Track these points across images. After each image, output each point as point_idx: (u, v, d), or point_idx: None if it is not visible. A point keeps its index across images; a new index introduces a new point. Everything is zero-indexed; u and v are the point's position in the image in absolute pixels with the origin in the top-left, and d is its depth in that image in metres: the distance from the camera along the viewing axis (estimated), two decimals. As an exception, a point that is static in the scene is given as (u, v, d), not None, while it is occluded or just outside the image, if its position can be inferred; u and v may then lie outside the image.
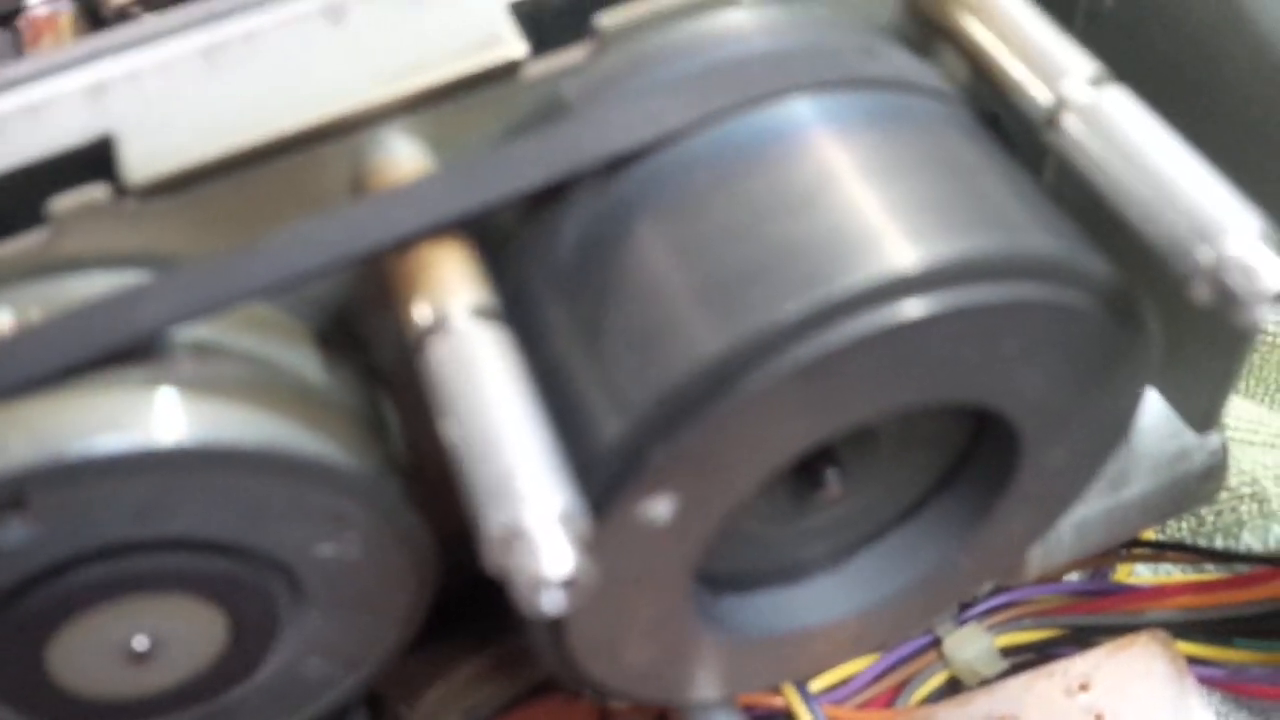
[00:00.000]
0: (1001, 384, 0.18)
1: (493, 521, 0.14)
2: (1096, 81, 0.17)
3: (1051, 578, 0.32)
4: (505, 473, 0.14)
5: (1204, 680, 0.30)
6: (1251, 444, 0.35)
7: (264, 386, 0.17)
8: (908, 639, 0.30)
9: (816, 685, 0.29)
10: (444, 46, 0.18)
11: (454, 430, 0.15)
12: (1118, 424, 0.19)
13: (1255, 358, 0.37)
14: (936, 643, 0.31)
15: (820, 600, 0.20)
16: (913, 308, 0.16)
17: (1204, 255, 0.15)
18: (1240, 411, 0.35)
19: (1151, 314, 0.18)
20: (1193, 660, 0.29)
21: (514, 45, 0.18)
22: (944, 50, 0.19)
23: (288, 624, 0.19)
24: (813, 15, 0.19)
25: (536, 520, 0.14)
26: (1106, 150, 0.16)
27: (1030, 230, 0.16)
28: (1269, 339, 0.37)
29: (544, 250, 0.17)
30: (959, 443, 0.20)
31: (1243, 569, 0.30)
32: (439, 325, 0.15)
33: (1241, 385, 0.38)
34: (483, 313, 0.16)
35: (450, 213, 0.16)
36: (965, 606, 0.32)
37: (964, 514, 0.20)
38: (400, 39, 0.18)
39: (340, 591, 0.19)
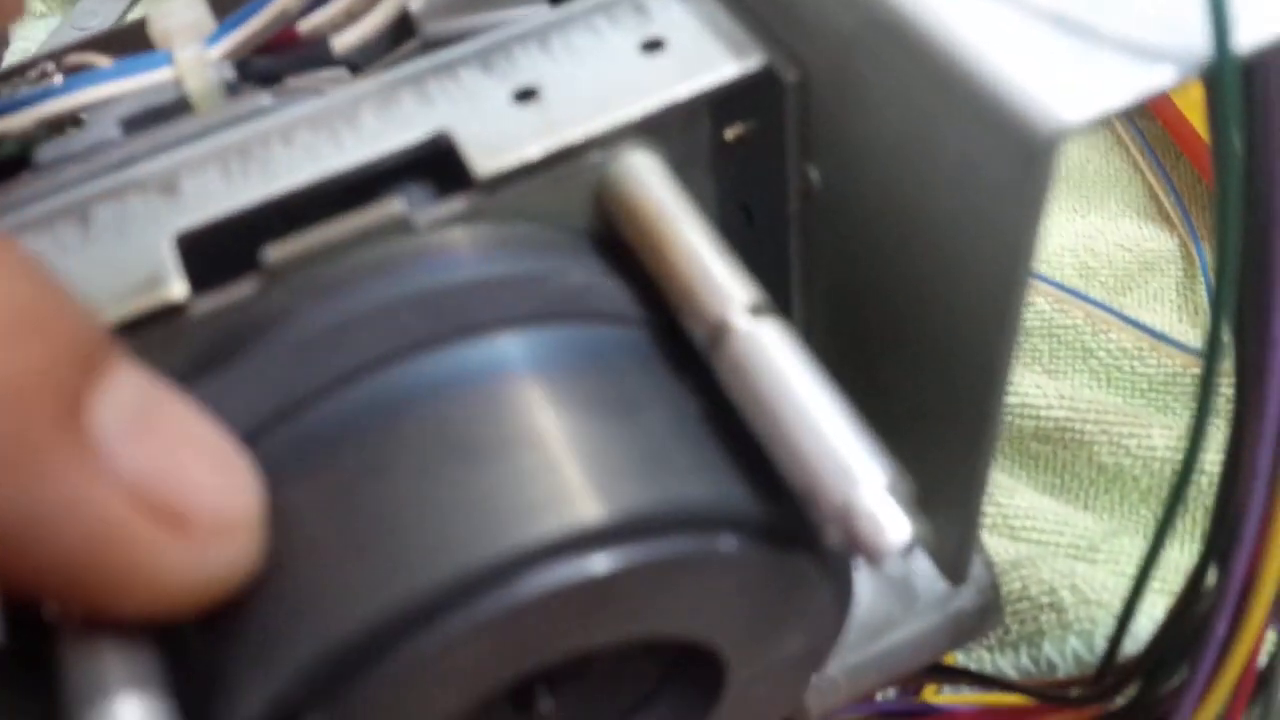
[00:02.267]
0: (688, 621, 0.18)
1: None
2: (756, 310, 0.17)
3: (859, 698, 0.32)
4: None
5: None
6: (1057, 547, 0.35)
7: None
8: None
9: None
10: (107, 287, 0.18)
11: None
12: (823, 630, 0.20)
13: (1067, 455, 0.38)
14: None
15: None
16: (592, 564, 0.16)
17: (832, 502, 0.15)
18: (1047, 513, 0.36)
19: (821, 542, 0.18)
20: (988, 785, 0.30)
21: (176, 286, 0.17)
22: (637, 262, 0.19)
23: None
24: (501, 235, 0.19)
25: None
26: (754, 383, 0.16)
27: (692, 481, 0.16)
28: (1078, 436, 0.38)
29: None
30: (670, 657, 0.20)
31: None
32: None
33: (1056, 482, 0.38)
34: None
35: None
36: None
37: (684, 715, 0.20)
38: (65, 279, 0.18)
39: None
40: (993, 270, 0.18)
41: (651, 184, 0.19)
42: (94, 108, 0.22)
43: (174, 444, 0.15)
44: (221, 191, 0.19)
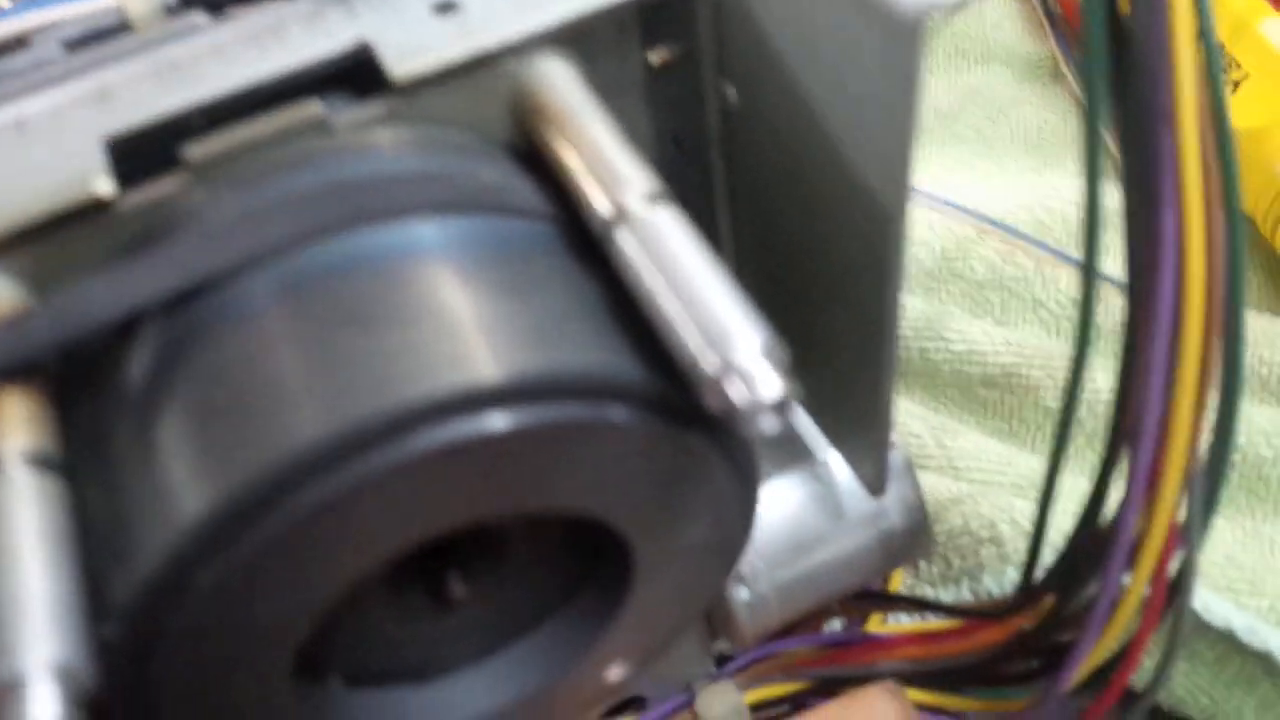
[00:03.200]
0: (585, 492, 0.18)
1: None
2: (652, 198, 0.18)
3: (803, 629, 0.33)
4: (3, 626, 0.14)
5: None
6: (1000, 485, 0.36)
7: None
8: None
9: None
10: (38, 186, 0.18)
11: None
12: (731, 517, 0.20)
13: (1014, 401, 0.39)
14: (691, 701, 0.32)
15: (454, 702, 0.21)
16: (493, 421, 0.16)
17: (709, 365, 0.16)
18: (991, 454, 0.37)
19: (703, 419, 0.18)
20: (924, 707, 0.30)
21: (101, 182, 0.18)
22: (549, 165, 0.20)
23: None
24: (417, 136, 0.20)
25: (27, 673, 0.14)
26: (645, 262, 0.17)
27: (583, 350, 0.17)
28: (1024, 381, 0.39)
29: (123, 377, 0.18)
30: (582, 544, 0.21)
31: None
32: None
33: (1004, 427, 0.39)
34: (32, 459, 0.16)
35: (14, 356, 0.17)
36: (722, 662, 0.33)
37: (597, 610, 0.21)
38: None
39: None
40: (880, 157, 0.19)
41: (561, 87, 0.20)
42: (39, 31, 0.23)
43: None
44: (151, 98, 0.20)
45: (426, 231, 0.18)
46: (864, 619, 0.34)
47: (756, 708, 0.32)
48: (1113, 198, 0.46)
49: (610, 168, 0.19)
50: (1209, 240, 0.20)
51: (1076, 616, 0.26)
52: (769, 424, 0.16)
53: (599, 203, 0.18)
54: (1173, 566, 0.25)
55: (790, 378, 0.16)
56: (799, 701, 0.32)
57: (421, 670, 0.21)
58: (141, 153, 0.19)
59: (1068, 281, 0.41)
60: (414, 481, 0.16)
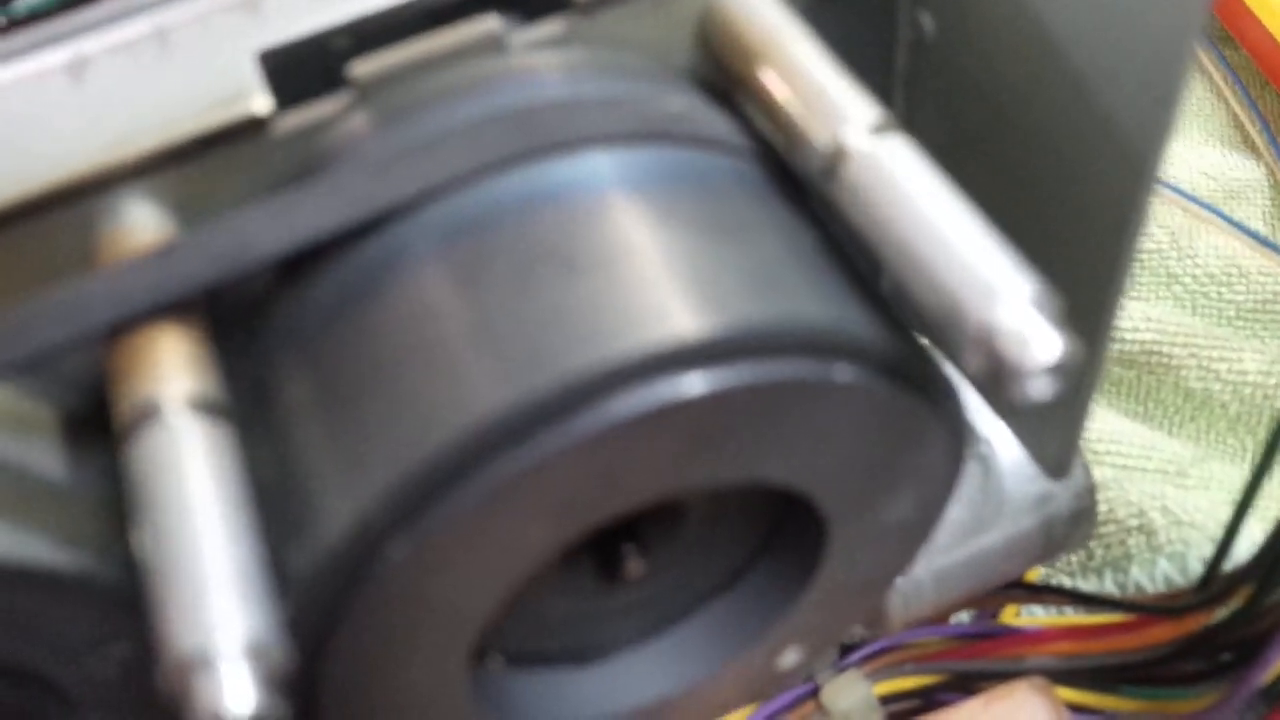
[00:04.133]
0: (791, 462, 0.16)
1: (173, 647, 0.12)
2: (879, 129, 0.16)
3: (934, 620, 0.31)
4: (190, 595, 0.13)
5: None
6: (1144, 471, 0.34)
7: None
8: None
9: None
10: (186, 103, 0.17)
11: (144, 542, 0.13)
12: (934, 495, 0.18)
13: (1152, 380, 0.37)
14: (816, 692, 0.30)
15: (619, 685, 0.19)
16: (693, 383, 0.14)
17: (975, 321, 0.14)
18: (1133, 437, 0.35)
19: (946, 384, 0.16)
20: (1075, 708, 0.28)
21: (258, 99, 0.16)
22: (744, 99, 0.18)
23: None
24: (600, 60, 0.18)
25: (220, 652, 0.12)
26: (880, 204, 0.15)
27: (808, 302, 0.15)
28: (1165, 360, 0.36)
29: (292, 325, 0.16)
30: (768, 518, 0.19)
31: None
32: (140, 419, 0.14)
33: (1139, 409, 0.37)
34: (199, 405, 0.14)
35: (169, 290, 0.15)
36: (846, 652, 0.31)
37: (777, 590, 0.19)
38: (142, 97, 0.17)
39: (118, 703, 0.18)
40: (1135, 108, 0.16)
41: (758, 6, 0.17)
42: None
43: None
44: (305, 10, 0.18)
45: (613, 164, 0.16)
46: (997, 611, 0.32)
47: (885, 700, 0.30)
48: (1245, 169, 0.43)
49: (827, 96, 0.16)
50: None
51: (1270, 610, 0.23)
52: (1042, 388, 0.14)
53: (817, 135, 0.16)
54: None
55: (1065, 333, 0.14)
56: (930, 696, 0.30)
57: (587, 650, 0.19)
58: (299, 69, 0.17)
59: (1205, 255, 0.38)
60: (611, 449, 0.14)
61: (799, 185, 0.17)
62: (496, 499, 0.14)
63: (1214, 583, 0.25)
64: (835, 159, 0.16)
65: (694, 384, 0.14)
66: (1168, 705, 0.27)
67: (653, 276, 0.15)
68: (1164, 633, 0.26)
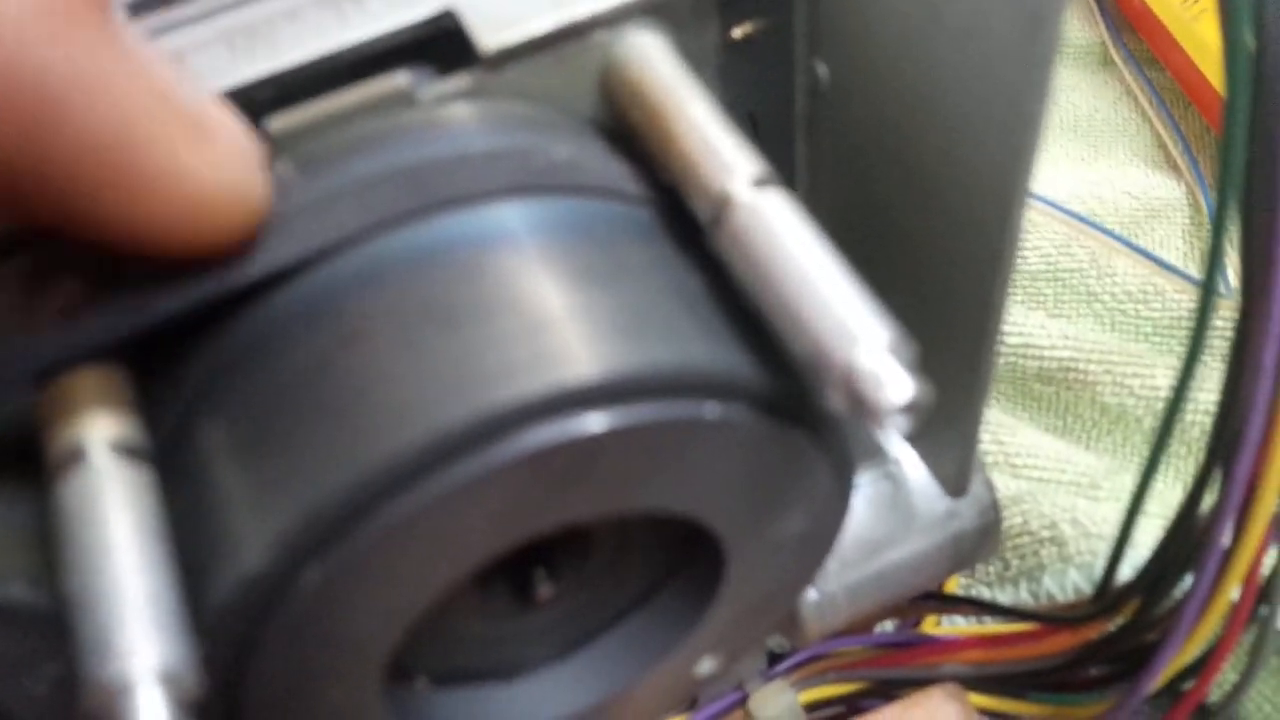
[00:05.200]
0: (681, 494, 0.17)
1: (93, 674, 0.13)
2: (760, 183, 0.17)
3: (856, 630, 0.32)
4: (107, 625, 0.14)
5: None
6: (1059, 484, 0.35)
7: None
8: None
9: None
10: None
11: (67, 576, 0.14)
12: (826, 515, 0.19)
13: (1070, 396, 0.38)
14: (744, 700, 0.31)
15: (541, 700, 0.20)
16: (587, 423, 0.15)
17: (836, 364, 0.15)
18: (1049, 450, 0.36)
19: (827, 414, 0.18)
20: (986, 712, 0.30)
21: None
22: (643, 148, 0.19)
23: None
24: (501, 111, 0.19)
25: (135, 678, 0.13)
26: (757, 251, 0.16)
27: (678, 344, 0.16)
28: (1082, 376, 0.38)
29: (205, 372, 0.17)
30: (670, 540, 0.20)
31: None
32: (66, 461, 0.15)
33: (1058, 424, 0.38)
34: (121, 448, 0.15)
35: (92, 341, 0.16)
36: (773, 661, 0.32)
37: (685, 606, 0.20)
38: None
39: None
40: (1000, 146, 0.18)
41: (657, 61, 0.19)
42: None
43: (191, 78, 0.16)
44: (226, 67, 0.19)
45: (509, 216, 0.17)
46: (918, 620, 0.33)
47: (810, 708, 0.31)
48: (1167, 189, 0.45)
49: (713, 149, 0.18)
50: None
51: (1159, 621, 0.25)
52: (899, 424, 0.15)
53: (702, 187, 0.17)
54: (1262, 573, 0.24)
55: (919, 377, 0.15)
56: (854, 703, 0.32)
57: (507, 668, 0.20)
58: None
59: (1124, 273, 0.40)
60: (506, 486, 0.16)
61: (696, 229, 0.18)
62: (396, 536, 0.15)
63: (1108, 594, 0.26)
64: (719, 209, 0.17)
65: (581, 426, 0.15)
66: (1071, 710, 0.28)
67: (536, 325, 0.16)
68: (1065, 641, 0.27)
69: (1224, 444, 0.22)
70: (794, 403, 0.17)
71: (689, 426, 0.16)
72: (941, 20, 0.17)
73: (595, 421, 0.15)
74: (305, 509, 0.15)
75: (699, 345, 0.16)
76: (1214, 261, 0.20)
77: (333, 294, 0.16)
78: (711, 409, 0.16)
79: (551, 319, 0.16)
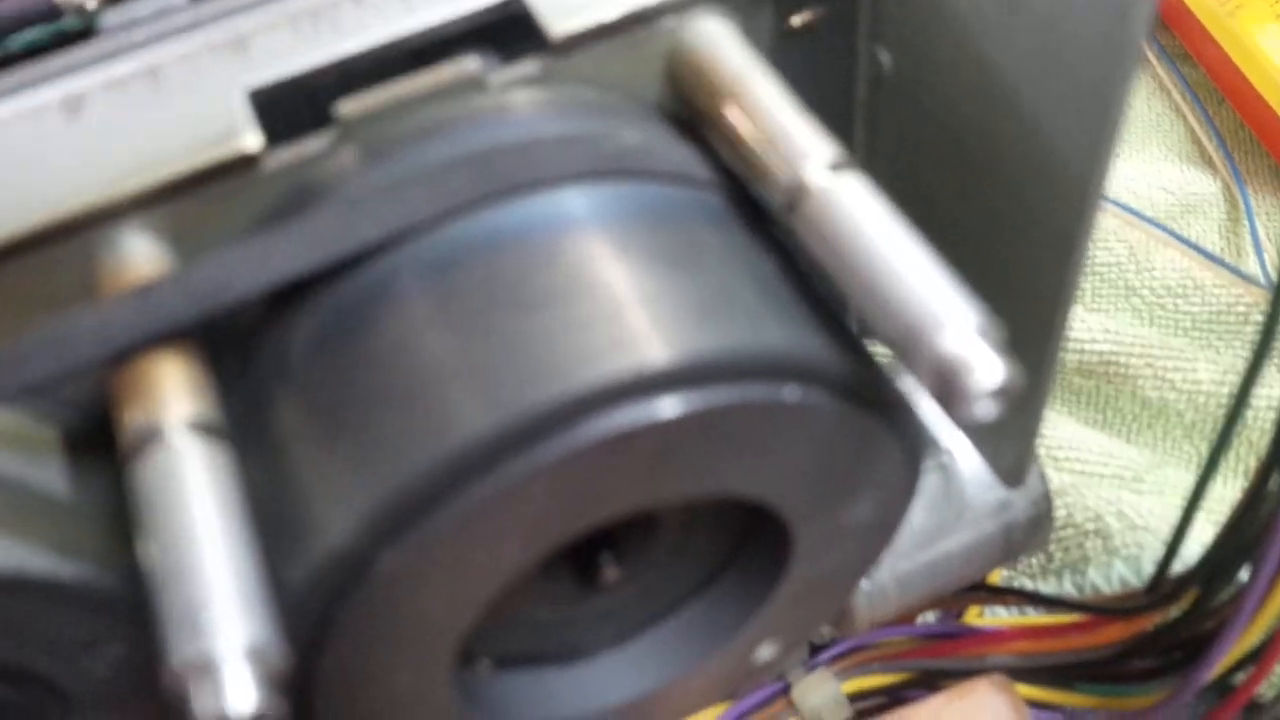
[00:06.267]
0: (751, 475, 0.17)
1: (177, 651, 0.13)
2: (837, 167, 0.17)
3: (900, 621, 0.32)
4: (194, 602, 0.13)
5: (1045, 724, 0.30)
6: (1101, 477, 0.35)
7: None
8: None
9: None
10: (179, 140, 0.17)
11: (150, 554, 0.14)
12: (893, 500, 0.19)
13: (1110, 390, 0.38)
14: (787, 690, 0.31)
15: (601, 683, 0.20)
16: (666, 406, 0.15)
17: (924, 349, 0.15)
18: (1091, 444, 0.36)
19: (900, 400, 0.17)
20: (1034, 704, 0.29)
21: (249, 137, 0.17)
22: (711, 133, 0.19)
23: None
24: (570, 96, 0.19)
25: (222, 655, 0.13)
26: (838, 238, 0.16)
27: (757, 328, 0.16)
28: (1123, 370, 0.37)
29: (281, 354, 0.17)
30: (737, 524, 0.20)
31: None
32: (143, 441, 0.15)
33: (1098, 417, 0.38)
34: (197, 427, 0.15)
35: (153, 328, 0.16)
36: (815, 651, 0.32)
37: (749, 591, 0.20)
38: (136, 133, 0.18)
39: (111, 700, 0.18)
40: (1079, 133, 0.17)
41: (725, 47, 0.19)
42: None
43: None
44: (293, 50, 0.18)
45: (583, 201, 0.17)
46: (961, 611, 0.33)
47: (853, 698, 0.31)
48: (1202, 184, 0.44)
49: (788, 133, 0.17)
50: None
51: (1215, 611, 0.25)
52: (987, 409, 0.15)
53: (777, 171, 0.17)
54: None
55: (1008, 360, 0.15)
56: (896, 693, 0.31)
57: (569, 652, 0.20)
58: (286, 107, 0.18)
59: (1163, 268, 0.40)
60: (581, 471, 0.15)
61: (763, 214, 0.18)
62: (475, 517, 0.15)
63: (1163, 585, 0.26)
64: (796, 194, 0.17)
65: (659, 409, 0.15)
66: (1121, 701, 0.28)
67: (612, 309, 0.16)
68: (1117, 632, 0.27)
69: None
70: (869, 388, 0.17)
71: (768, 410, 0.16)
72: (1021, 10, 0.17)
73: (675, 405, 0.15)
74: (390, 488, 0.15)
75: (777, 328, 0.16)
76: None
77: (410, 277, 0.16)
78: (791, 392, 0.16)
79: (629, 302, 0.16)
